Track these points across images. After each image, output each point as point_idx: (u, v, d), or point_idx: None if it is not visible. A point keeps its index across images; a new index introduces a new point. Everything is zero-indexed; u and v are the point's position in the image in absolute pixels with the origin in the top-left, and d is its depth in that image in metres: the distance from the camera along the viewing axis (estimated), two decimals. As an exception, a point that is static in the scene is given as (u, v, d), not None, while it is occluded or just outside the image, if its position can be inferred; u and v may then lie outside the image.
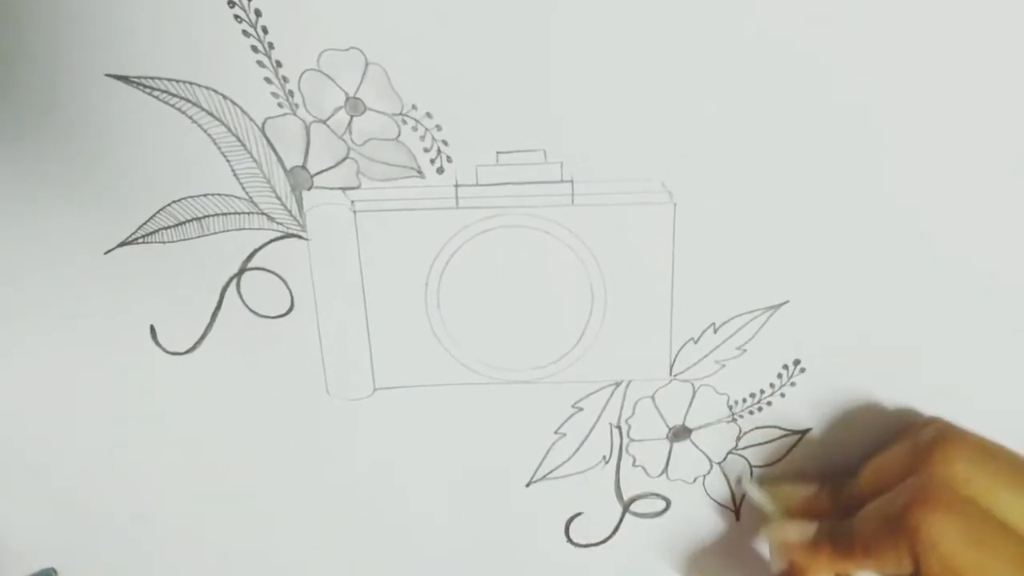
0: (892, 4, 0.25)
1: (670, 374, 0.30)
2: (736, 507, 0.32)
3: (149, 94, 0.26)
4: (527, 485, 0.32)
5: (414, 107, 0.26)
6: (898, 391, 0.30)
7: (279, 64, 0.26)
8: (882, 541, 0.24)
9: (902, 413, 0.30)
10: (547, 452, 0.31)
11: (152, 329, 0.30)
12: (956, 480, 0.24)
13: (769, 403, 0.30)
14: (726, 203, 0.27)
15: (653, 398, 0.30)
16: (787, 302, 0.29)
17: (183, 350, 0.30)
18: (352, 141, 0.27)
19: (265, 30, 0.25)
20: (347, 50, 0.26)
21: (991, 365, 0.29)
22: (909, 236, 0.28)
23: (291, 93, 0.26)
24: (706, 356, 0.30)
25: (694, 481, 0.32)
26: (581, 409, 0.31)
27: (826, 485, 0.29)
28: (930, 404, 0.30)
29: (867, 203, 0.27)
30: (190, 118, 0.27)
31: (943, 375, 0.30)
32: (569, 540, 0.33)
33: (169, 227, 0.28)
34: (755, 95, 0.26)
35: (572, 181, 0.27)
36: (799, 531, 0.28)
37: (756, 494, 0.31)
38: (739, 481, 0.32)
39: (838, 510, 0.28)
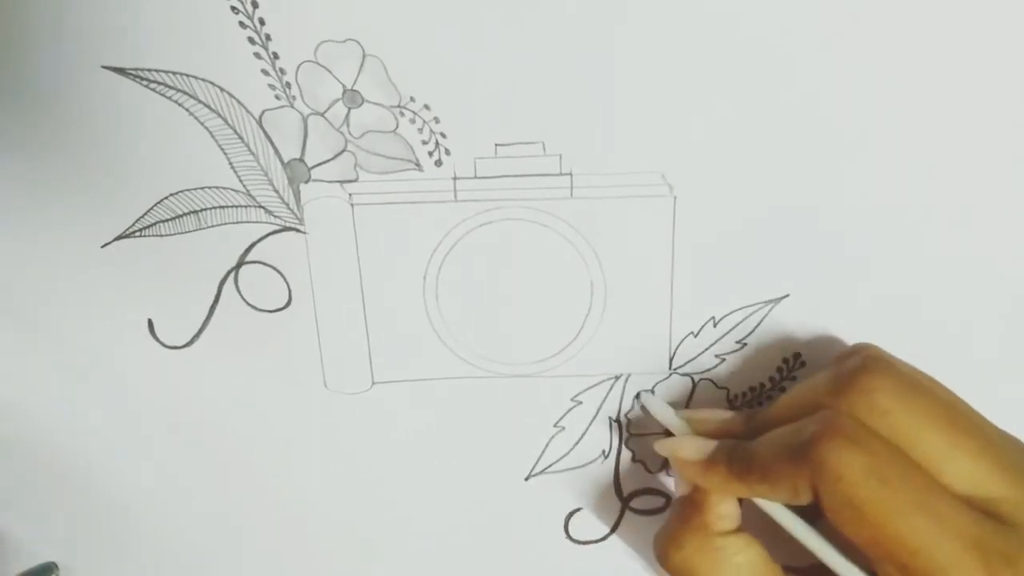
0: (893, 3, 0.24)
1: (670, 368, 0.30)
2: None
3: (145, 86, 0.26)
4: (526, 479, 0.32)
5: (412, 99, 0.26)
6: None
7: (276, 56, 0.26)
8: (782, 467, 0.23)
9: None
10: (546, 446, 0.31)
11: (150, 323, 0.30)
12: (874, 411, 0.22)
13: (770, 397, 0.30)
14: (727, 196, 0.27)
15: (653, 392, 0.30)
16: (788, 296, 0.28)
17: (181, 344, 0.30)
18: (350, 133, 0.27)
19: (262, 21, 0.25)
20: (344, 42, 0.25)
21: (993, 362, 0.29)
22: (910, 231, 0.27)
23: (288, 85, 0.26)
24: (706, 350, 0.29)
25: (694, 476, 0.32)
26: (580, 403, 0.30)
27: (742, 412, 0.28)
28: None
29: (868, 197, 0.27)
30: (187, 110, 0.26)
31: (944, 371, 0.29)
32: (569, 537, 0.33)
33: (166, 220, 0.28)
34: (756, 88, 0.26)
35: (571, 173, 0.27)
36: (695, 447, 0.26)
37: (661, 409, 0.29)
38: (637, 396, 0.30)
39: (747, 436, 0.26)
